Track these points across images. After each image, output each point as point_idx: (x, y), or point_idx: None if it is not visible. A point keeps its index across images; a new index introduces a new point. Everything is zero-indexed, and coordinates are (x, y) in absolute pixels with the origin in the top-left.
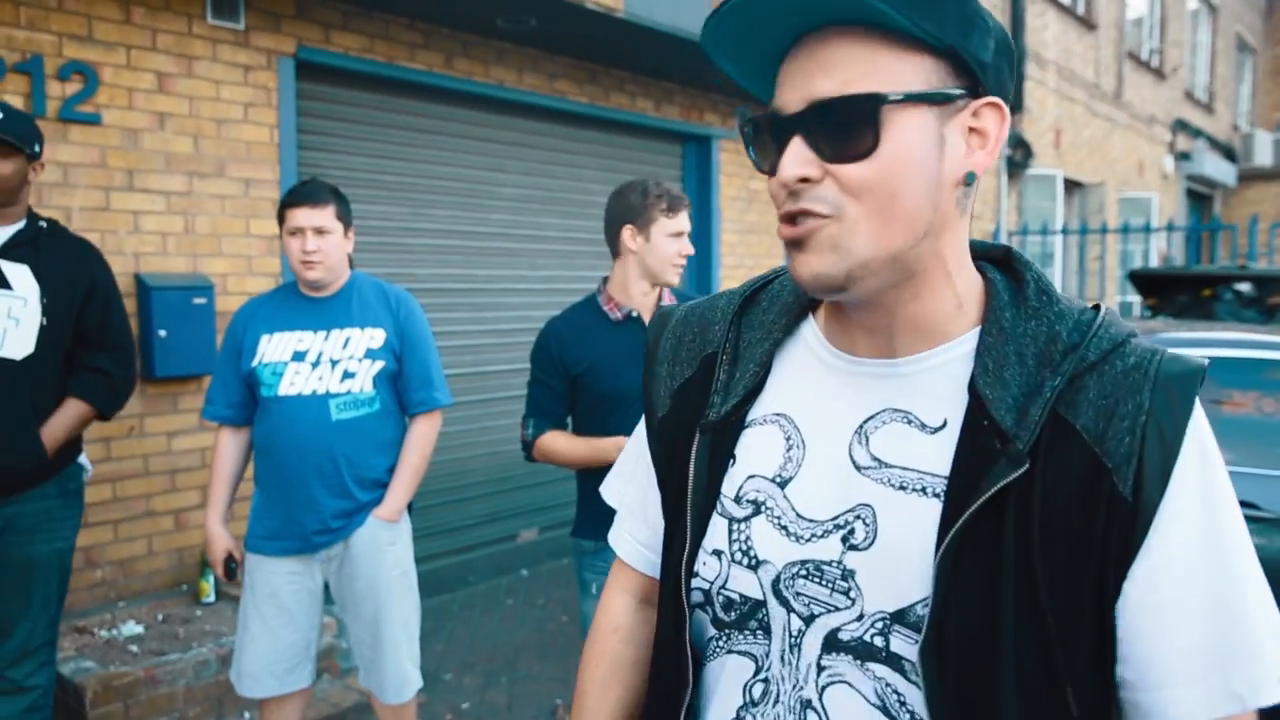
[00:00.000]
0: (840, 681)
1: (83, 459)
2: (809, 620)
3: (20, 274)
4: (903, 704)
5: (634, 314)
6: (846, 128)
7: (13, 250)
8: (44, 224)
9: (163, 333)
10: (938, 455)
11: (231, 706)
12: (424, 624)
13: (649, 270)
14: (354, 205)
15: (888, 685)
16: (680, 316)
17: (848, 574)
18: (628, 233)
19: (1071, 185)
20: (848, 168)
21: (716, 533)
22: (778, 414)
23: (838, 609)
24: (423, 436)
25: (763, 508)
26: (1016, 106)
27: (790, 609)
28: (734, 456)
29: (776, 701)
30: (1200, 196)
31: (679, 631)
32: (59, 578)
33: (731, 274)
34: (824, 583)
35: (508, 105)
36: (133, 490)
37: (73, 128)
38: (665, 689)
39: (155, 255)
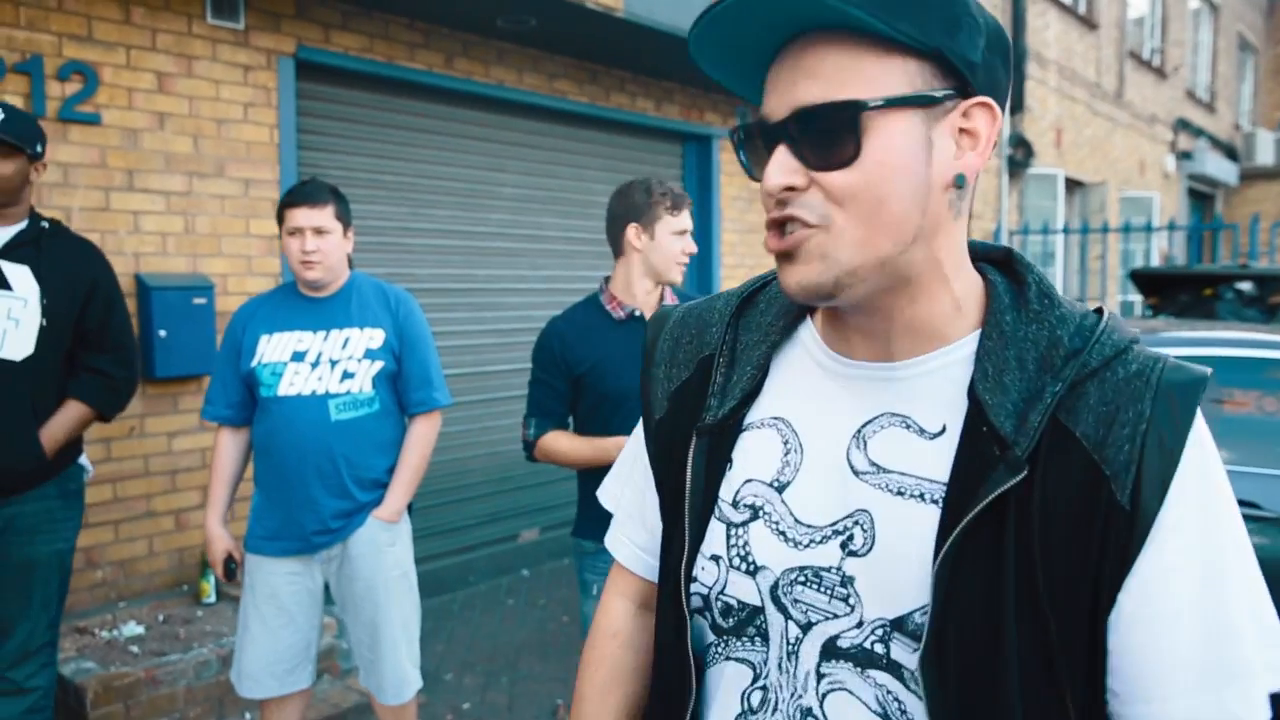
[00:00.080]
0: (841, 689)
1: (83, 459)
2: (806, 628)
3: (20, 275)
4: (904, 712)
5: (637, 313)
6: (828, 135)
7: (14, 251)
8: (46, 224)
9: (163, 333)
10: (936, 461)
11: (232, 707)
12: (424, 624)
13: (653, 268)
14: (354, 205)
15: (889, 693)
16: (678, 318)
17: (847, 580)
18: (632, 231)
19: (1073, 184)
20: (832, 175)
21: (714, 537)
22: (775, 418)
23: (836, 616)
24: (422, 437)
25: (761, 513)
26: (1017, 106)
27: (788, 616)
28: (731, 460)
29: (775, 709)
30: (1202, 196)
31: (680, 636)
32: (59, 578)
33: (732, 274)
34: (822, 589)
35: (508, 105)
36: (133, 490)
37: (72, 128)
38: (668, 695)
39: (155, 255)
